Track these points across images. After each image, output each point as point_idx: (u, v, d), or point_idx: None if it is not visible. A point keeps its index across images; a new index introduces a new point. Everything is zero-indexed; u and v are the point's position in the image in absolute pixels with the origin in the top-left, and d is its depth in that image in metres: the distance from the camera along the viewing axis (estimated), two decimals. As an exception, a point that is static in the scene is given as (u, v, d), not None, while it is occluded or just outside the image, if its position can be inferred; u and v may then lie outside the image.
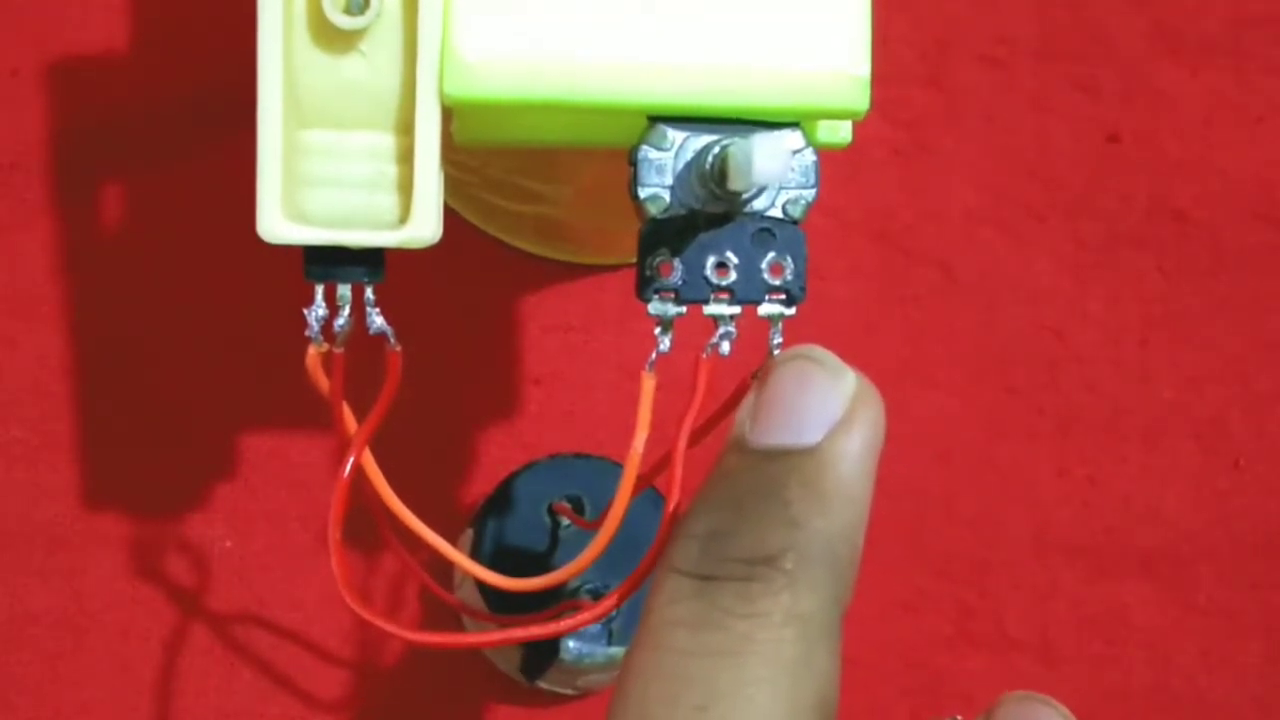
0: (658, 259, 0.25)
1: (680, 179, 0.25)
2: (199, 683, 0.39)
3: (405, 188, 0.25)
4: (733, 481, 0.23)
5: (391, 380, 0.26)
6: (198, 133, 0.41)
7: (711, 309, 0.25)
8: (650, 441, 0.25)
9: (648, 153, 0.25)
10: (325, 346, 0.25)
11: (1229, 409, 0.43)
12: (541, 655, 0.36)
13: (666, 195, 0.25)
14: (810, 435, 0.22)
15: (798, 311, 0.26)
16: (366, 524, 0.28)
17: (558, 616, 0.31)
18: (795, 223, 0.25)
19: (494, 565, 0.36)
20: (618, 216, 0.38)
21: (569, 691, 0.39)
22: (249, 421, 0.40)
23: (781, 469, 0.22)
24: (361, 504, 0.27)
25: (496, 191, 0.39)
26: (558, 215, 0.40)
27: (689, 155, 0.25)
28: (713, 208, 0.25)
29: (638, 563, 0.24)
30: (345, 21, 0.24)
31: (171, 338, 0.40)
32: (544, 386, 0.41)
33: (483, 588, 0.36)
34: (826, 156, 0.26)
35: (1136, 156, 0.43)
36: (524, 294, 0.42)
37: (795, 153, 0.25)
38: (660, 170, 0.25)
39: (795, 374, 0.23)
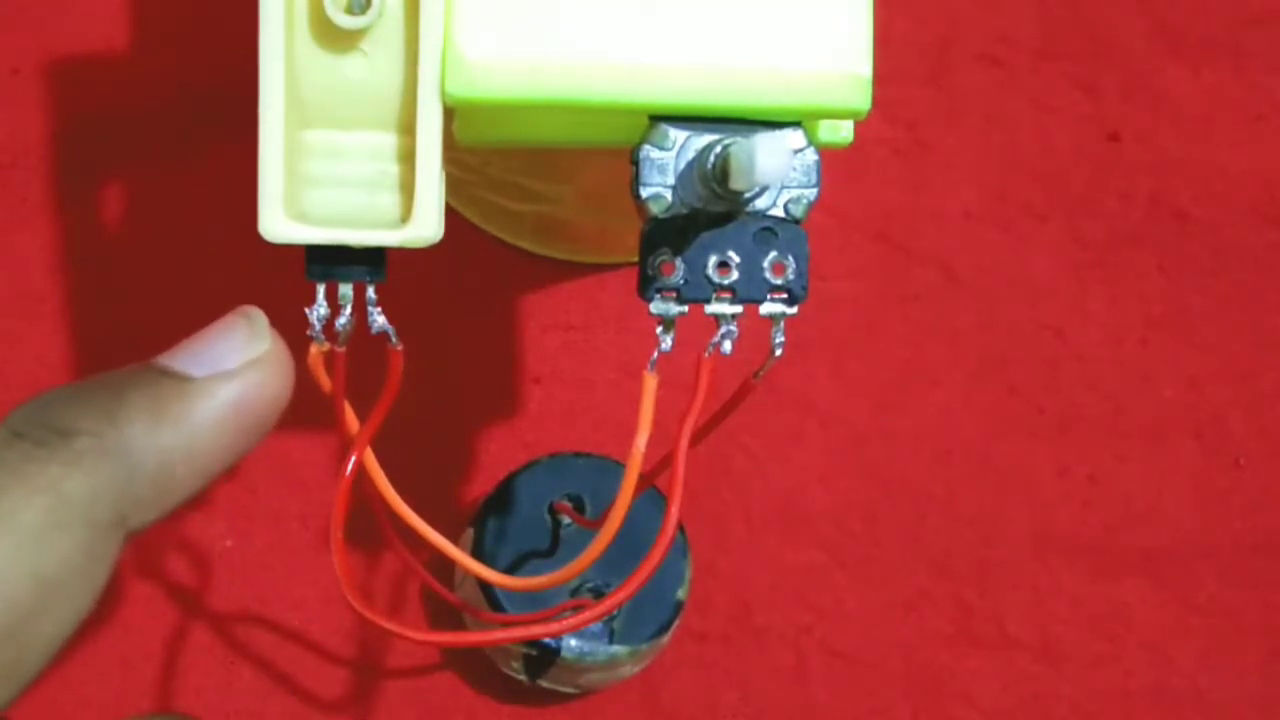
0: (660, 258, 0.25)
1: (682, 178, 0.25)
2: (199, 682, 0.39)
3: (406, 187, 0.25)
4: (110, 373, 0.23)
5: (393, 379, 0.26)
6: (198, 133, 0.41)
7: (713, 308, 0.25)
8: (652, 440, 0.25)
9: (650, 152, 0.25)
10: (327, 345, 0.25)
11: (1229, 409, 0.43)
12: (543, 654, 0.36)
13: (668, 194, 0.25)
14: (196, 369, 0.23)
15: (799, 310, 0.26)
16: (368, 523, 0.28)
17: (559, 615, 0.31)
18: (797, 222, 0.25)
19: (495, 564, 0.37)
20: (618, 216, 0.38)
21: (570, 690, 0.39)
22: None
23: (148, 379, 0.23)
24: (363, 503, 0.27)
25: (497, 191, 0.39)
26: (558, 214, 0.40)
27: (691, 155, 0.25)
28: (714, 207, 0.25)
29: (639, 562, 0.24)
30: (347, 21, 0.24)
31: (172, 338, 0.40)
32: (544, 386, 0.41)
33: (484, 587, 0.36)
34: (827, 156, 0.26)
35: (1137, 156, 0.43)
36: (524, 293, 0.41)
37: (797, 152, 0.25)
38: (662, 170, 0.25)
39: (224, 321, 0.24)
